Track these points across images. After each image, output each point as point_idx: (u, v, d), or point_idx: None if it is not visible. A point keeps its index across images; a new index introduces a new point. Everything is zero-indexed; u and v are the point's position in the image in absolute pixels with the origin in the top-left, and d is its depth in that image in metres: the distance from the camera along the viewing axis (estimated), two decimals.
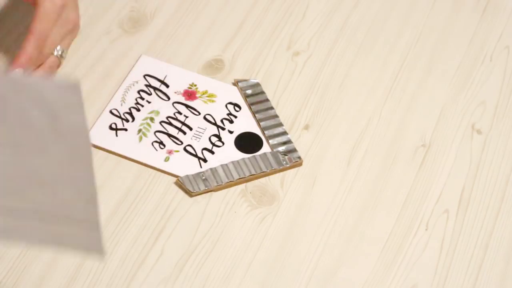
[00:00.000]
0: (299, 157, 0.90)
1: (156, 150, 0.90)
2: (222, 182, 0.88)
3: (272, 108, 0.95)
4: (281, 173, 0.90)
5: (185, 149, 0.90)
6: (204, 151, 0.90)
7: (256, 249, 0.85)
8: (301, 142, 0.93)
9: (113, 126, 0.92)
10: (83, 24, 1.01)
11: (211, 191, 0.88)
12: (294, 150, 0.91)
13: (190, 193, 0.87)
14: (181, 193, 0.88)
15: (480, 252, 0.86)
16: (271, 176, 0.90)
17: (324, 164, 0.91)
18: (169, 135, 0.91)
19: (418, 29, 1.05)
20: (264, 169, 0.89)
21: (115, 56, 0.99)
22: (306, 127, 0.94)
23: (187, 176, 0.88)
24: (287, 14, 1.05)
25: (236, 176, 0.88)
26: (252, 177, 0.89)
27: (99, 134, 0.91)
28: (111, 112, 0.93)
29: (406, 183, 0.91)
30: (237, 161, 0.89)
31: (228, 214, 0.87)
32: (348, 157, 0.92)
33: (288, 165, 0.90)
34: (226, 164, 0.89)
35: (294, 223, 0.87)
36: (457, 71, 1.01)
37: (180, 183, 0.88)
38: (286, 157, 0.90)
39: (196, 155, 0.90)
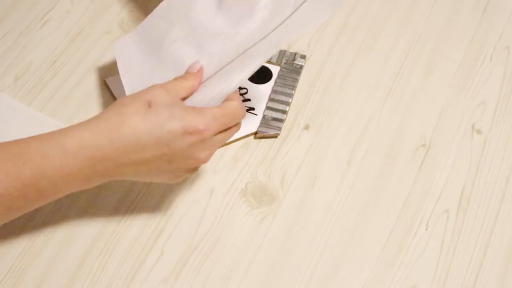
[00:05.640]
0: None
1: None
2: (286, 108, 0.94)
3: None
4: (281, 173, 0.90)
5: None
6: None
7: (256, 249, 0.85)
8: (301, 142, 0.93)
9: None
10: (83, 24, 1.01)
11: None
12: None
13: (276, 136, 0.93)
14: (181, 193, 0.88)
15: (480, 252, 0.86)
16: (271, 176, 0.90)
17: (324, 164, 0.91)
18: None
19: (418, 29, 1.05)
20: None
21: (115, 56, 0.98)
22: (306, 127, 0.94)
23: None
24: None
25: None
26: None
27: None
28: None
29: (406, 183, 0.91)
30: None
31: (228, 214, 0.87)
32: (348, 157, 0.92)
33: None
34: None
35: (294, 223, 0.87)
36: (457, 71, 1.01)
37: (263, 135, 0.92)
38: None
39: None
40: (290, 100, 0.95)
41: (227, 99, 0.78)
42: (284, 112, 0.94)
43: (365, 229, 0.87)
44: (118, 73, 0.95)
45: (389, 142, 0.94)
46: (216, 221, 0.86)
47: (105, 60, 0.98)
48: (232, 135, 0.80)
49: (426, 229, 0.87)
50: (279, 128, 0.93)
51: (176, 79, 0.79)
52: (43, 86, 0.95)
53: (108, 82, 0.95)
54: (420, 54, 1.02)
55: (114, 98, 0.94)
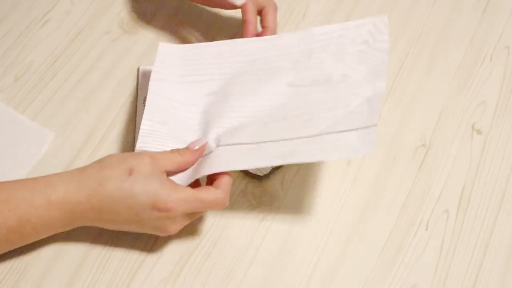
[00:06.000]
0: None
1: None
2: None
3: None
4: (281, 173, 0.90)
5: None
6: None
7: (256, 249, 0.85)
8: None
9: None
10: (83, 24, 1.01)
11: (275, 169, 0.89)
12: None
13: (259, 177, 0.89)
14: None
15: (480, 252, 0.86)
16: (271, 176, 0.90)
17: (324, 164, 0.91)
18: None
19: (418, 29, 1.05)
20: None
21: (115, 56, 0.99)
22: None
23: None
24: (287, 14, 1.05)
25: None
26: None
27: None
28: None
29: (406, 183, 0.91)
30: None
31: (228, 214, 0.87)
32: None
33: None
34: None
35: (294, 223, 0.87)
36: (457, 71, 1.01)
37: (247, 171, 0.89)
38: None
39: None
40: None
41: (216, 182, 0.80)
42: None
43: (365, 229, 0.87)
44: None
45: (389, 142, 0.94)
46: (216, 221, 0.86)
47: (105, 60, 0.98)
48: (209, 207, 0.80)
49: (426, 229, 0.87)
50: (265, 171, 0.89)
51: (171, 151, 0.81)
52: (43, 86, 0.95)
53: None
54: (420, 54, 1.02)
55: (136, 89, 0.95)
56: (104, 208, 0.78)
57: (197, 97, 0.87)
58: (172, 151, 0.81)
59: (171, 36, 1.01)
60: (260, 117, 0.84)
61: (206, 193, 0.78)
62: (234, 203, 0.88)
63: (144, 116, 0.84)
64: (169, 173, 0.80)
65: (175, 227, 0.80)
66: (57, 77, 0.96)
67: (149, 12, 1.04)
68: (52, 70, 0.97)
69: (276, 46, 0.89)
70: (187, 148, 0.81)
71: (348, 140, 0.80)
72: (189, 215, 0.80)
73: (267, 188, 0.89)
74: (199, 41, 1.00)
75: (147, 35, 1.01)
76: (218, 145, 0.83)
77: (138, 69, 0.97)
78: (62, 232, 0.83)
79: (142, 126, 0.83)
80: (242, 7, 0.92)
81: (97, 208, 0.77)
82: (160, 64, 0.88)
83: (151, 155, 0.79)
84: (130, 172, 0.77)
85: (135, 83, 0.96)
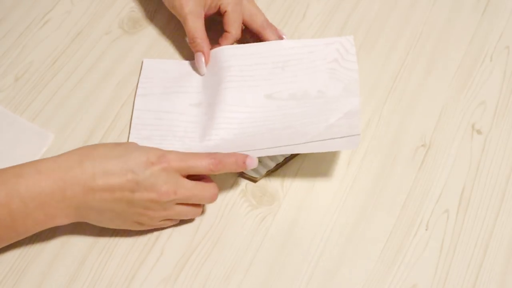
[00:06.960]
0: None
1: None
2: (279, 161, 0.89)
3: None
4: (282, 173, 0.90)
5: None
6: None
7: (256, 249, 0.85)
8: None
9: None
10: (83, 24, 1.01)
11: (271, 171, 0.90)
12: None
13: (254, 180, 0.89)
14: None
15: (480, 252, 0.86)
16: (271, 176, 0.90)
17: (324, 164, 0.91)
18: None
19: (418, 29, 1.05)
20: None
21: (115, 56, 0.99)
22: None
23: None
24: (287, 14, 1.05)
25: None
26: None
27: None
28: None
29: (406, 183, 0.91)
30: None
31: (228, 214, 0.87)
32: (348, 157, 0.92)
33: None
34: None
35: (294, 223, 0.87)
36: (457, 71, 1.01)
37: (242, 173, 0.89)
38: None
39: None
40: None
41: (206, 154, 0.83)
42: (273, 159, 0.90)
43: (365, 229, 0.87)
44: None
45: (389, 142, 0.94)
46: (216, 221, 0.86)
47: (105, 60, 0.98)
48: (198, 193, 0.82)
49: (426, 229, 0.87)
50: (260, 174, 0.89)
51: None
52: (43, 86, 0.95)
53: (144, 62, 0.97)
54: (420, 54, 1.02)
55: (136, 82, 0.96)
56: (97, 171, 0.78)
57: (182, 106, 0.92)
58: None
59: (171, 36, 1.01)
60: (245, 129, 0.88)
61: (198, 156, 0.82)
62: (234, 203, 0.88)
63: (130, 135, 0.90)
64: None
65: (167, 187, 0.79)
66: (57, 77, 0.96)
67: (149, 12, 1.04)
68: (52, 70, 0.97)
69: (248, 56, 0.94)
70: None
71: (334, 143, 0.85)
72: (185, 181, 0.81)
73: (267, 188, 0.89)
74: None
75: (147, 35, 1.01)
76: None
77: (142, 63, 0.98)
78: (62, 232, 0.83)
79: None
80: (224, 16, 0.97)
81: (90, 172, 0.78)
82: (145, 79, 0.95)
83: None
84: (120, 144, 0.81)
85: (135, 83, 0.96)
